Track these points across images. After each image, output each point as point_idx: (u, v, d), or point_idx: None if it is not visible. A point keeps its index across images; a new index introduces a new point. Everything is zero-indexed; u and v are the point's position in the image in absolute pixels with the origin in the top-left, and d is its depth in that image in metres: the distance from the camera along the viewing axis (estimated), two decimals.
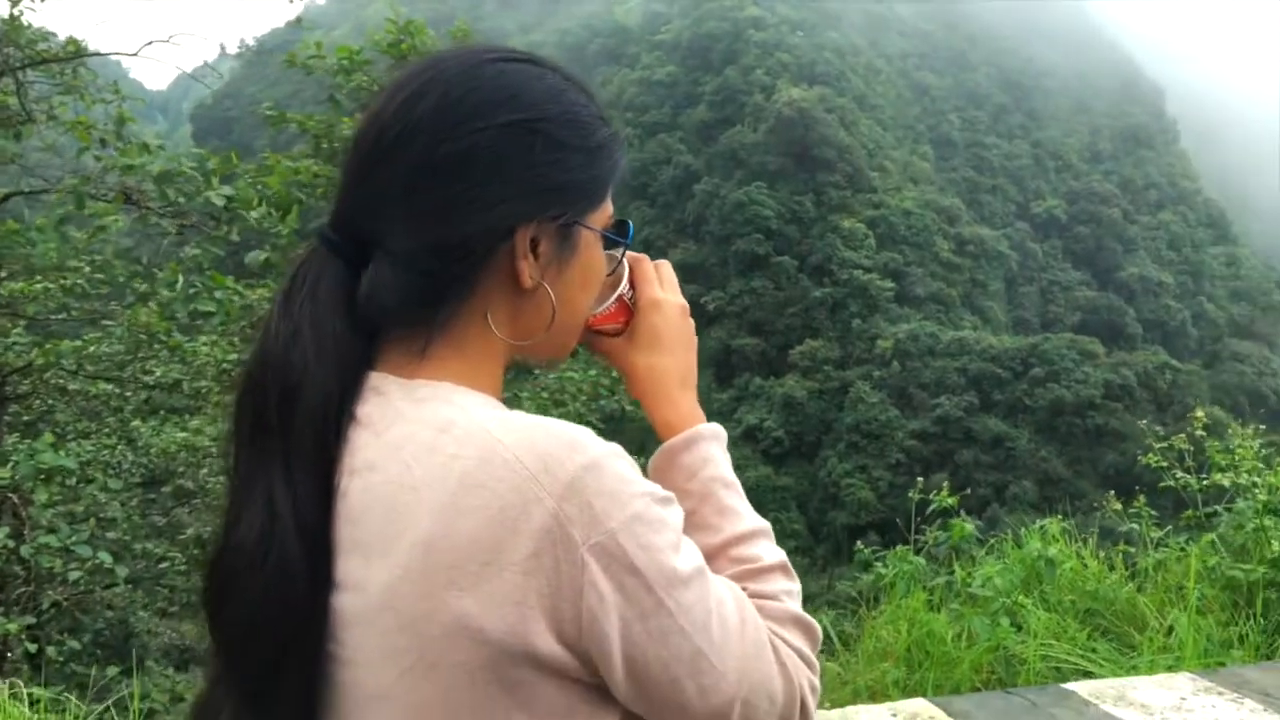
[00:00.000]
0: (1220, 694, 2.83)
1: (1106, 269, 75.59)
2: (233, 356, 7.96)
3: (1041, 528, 4.32)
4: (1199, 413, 4.90)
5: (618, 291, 1.10)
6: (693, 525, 0.96)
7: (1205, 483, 4.54)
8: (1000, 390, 56.85)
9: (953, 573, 4.10)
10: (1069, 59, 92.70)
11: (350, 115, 11.23)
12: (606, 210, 1.00)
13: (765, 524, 1.03)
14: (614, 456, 0.85)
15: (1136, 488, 4.94)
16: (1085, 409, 53.88)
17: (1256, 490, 4.33)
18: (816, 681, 0.96)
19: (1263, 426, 5.26)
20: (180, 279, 7.08)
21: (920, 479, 4.81)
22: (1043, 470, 51.71)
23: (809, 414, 58.38)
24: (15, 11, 7.51)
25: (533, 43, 66.30)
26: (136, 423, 10.50)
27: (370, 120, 0.94)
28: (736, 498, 1.04)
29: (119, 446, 10.40)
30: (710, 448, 1.06)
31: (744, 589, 0.94)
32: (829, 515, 52.50)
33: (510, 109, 0.92)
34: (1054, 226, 78.99)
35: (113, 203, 6.56)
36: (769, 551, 1.01)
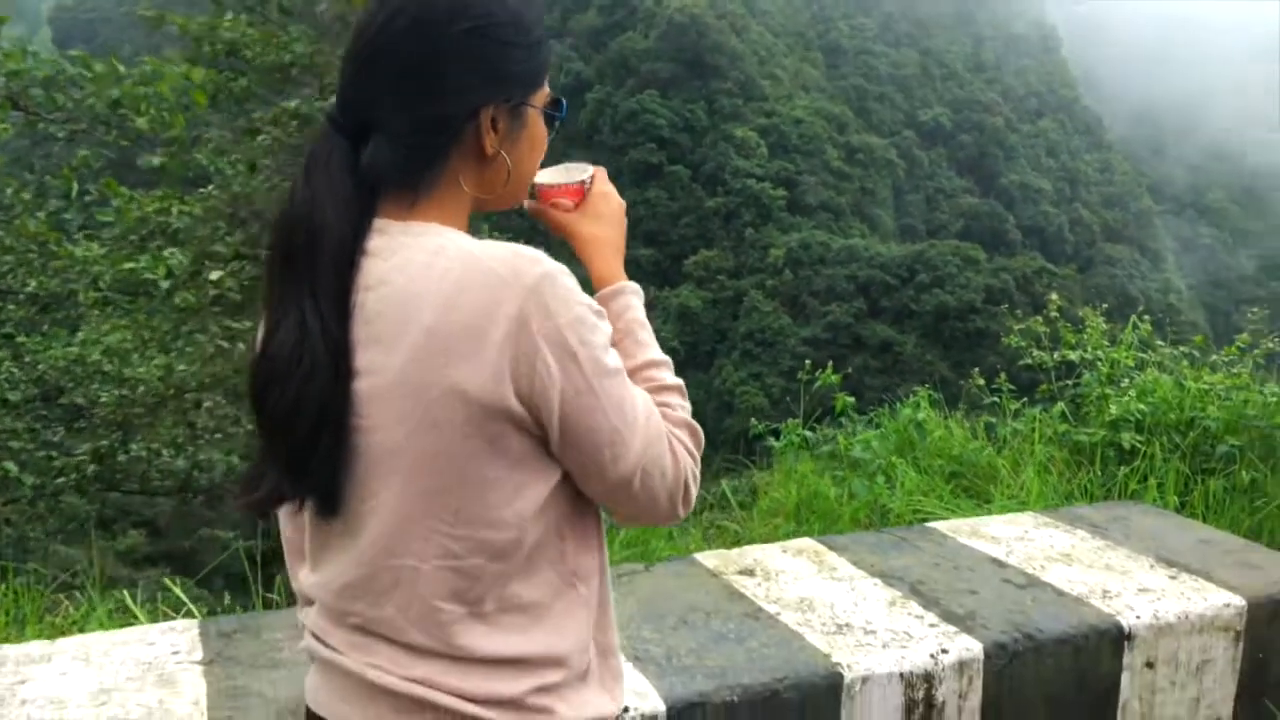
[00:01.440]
0: (1057, 527, 3.30)
1: (989, 176, 77.69)
2: (129, 265, 7.90)
3: (914, 399, 4.79)
4: (1054, 297, 5.42)
5: (581, 177, 1.48)
6: (617, 352, 1.28)
7: (1057, 357, 5.07)
8: (888, 297, 58.53)
9: (836, 440, 4.55)
10: None
11: (236, 16, 10.96)
12: (544, 91, 1.33)
13: (667, 358, 1.38)
14: (564, 273, 1.18)
15: (1000, 368, 5.44)
16: (968, 313, 55.93)
17: (1100, 364, 4.86)
18: (697, 471, 1.29)
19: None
20: (75, 186, 7.02)
21: (809, 363, 5.23)
22: (929, 373, 53.61)
23: (704, 324, 59.30)
24: None
25: None
26: (22, 338, 10.29)
27: (361, 29, 1.24)
28: (648, 335, 1.40)
29: (5, 363, 10.20)
30: (632, 298, 1.43)
31: (651, 398, 1.28)
32: (725, 423, 53.77)
33: (468, 17, 1.23)
34: (940, 135, 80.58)
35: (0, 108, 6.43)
36: (670, 377, 1.35)
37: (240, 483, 1.25)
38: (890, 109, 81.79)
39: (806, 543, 3.17)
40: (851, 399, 4.86)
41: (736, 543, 3.86)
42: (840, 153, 71.24)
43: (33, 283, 9.19)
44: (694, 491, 1.30)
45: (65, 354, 9.92)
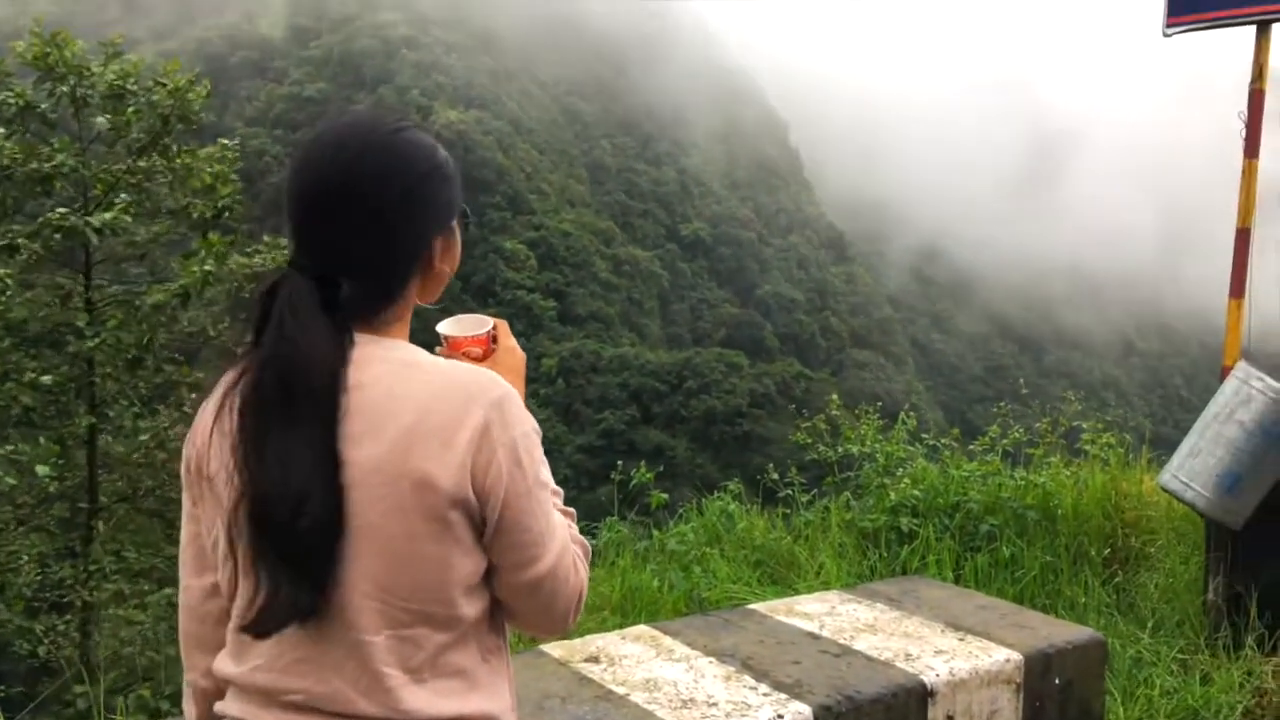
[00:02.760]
0: (859, 602, 3.68)
1: (747, 287, 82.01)
2: None
3: (724, 488, 5.17)
4: (834, 397, 6.00)
5: (486, 329, 1.68)
6: None
7: (840, 451, 5.60)
8: (659, 403, 60.31)
9: (651, 535, 4.84)
10: (709, 94, 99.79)
11: None
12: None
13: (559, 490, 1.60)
14: (516, 395, 1.43)
15: (766, 468, 5.92)
16: (734, 417, 58.33)
17: (878, 456, 5.42)
18: (585, 586, 1.50)
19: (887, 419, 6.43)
20: None
21: (619, 464, 5.51)
22: (699, 476, 55.26)
23: None
24: None
25: (167, 51, 62.00)
26: None
27: (315, 175, 1.42)
28: (547, 471, 1.56)
29: None
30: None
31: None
32: None
33: (424, 160, 1.48)
34: (700, 248, 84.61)
35: None
36: (563, 505, 1.54)
37: (242, 611, 1.36)
38: (653, 223, 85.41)
39: (642, 629, 3.40)
40: (665, 496, 5.19)
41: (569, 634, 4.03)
42: (608, 265, 73.56)
43: None
44: (581, 606, 1.50)
45: None
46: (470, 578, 1.38)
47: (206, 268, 9.39)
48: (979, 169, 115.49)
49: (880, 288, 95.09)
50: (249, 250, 10.65)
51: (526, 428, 1.40)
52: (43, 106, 9.71)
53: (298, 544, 1.29)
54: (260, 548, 1.31)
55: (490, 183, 72.05)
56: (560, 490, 1.54)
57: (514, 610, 1.45)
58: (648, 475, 5.18)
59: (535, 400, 59.96)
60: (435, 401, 1.35)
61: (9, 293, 9.09)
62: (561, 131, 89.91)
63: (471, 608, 1.39)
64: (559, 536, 1.44)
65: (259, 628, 1.32)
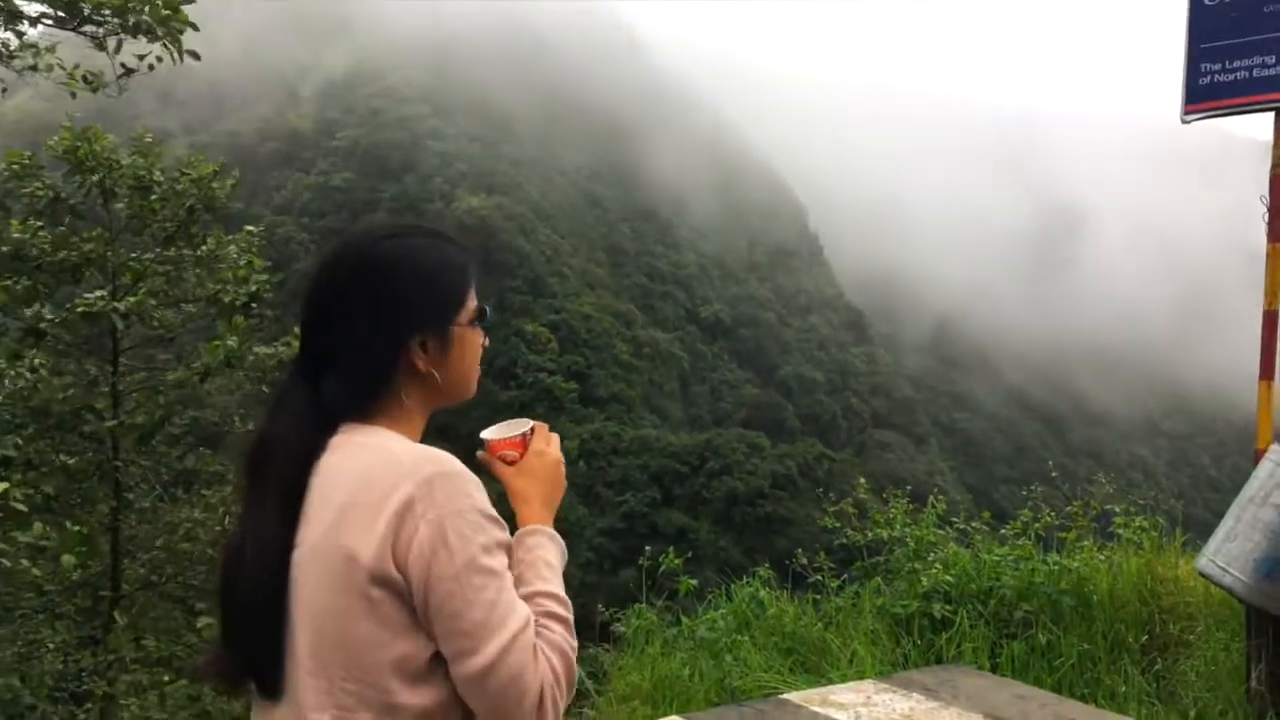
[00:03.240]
0: (895, 691, 3.58)
1: (768, 368, 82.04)
2: None
3: (754, 573, 5.08)
4: (861, 480, 5.92)
5: (520, 431, 1.69)
6: (517, 580, 1.46)
7: (870, 536, 5.51)
8: (681, 484, 59.89)
9: (680, 622, 4.74)
10: (726, 178, 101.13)
11: (22, 220, 10.64)
12: (470, 308, 1.61)
13: (566, 600, 1.49)
14: (466, 478, 1.43)
15: (817, 550, 5.83)
16: (756, 498, 57.80)
17: (908, 541, 5.33)
18: (561, 690, 1.39)
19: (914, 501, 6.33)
20: None
21: (648, 549, 5.44)
22: (723, 558, 54.73)
23: (501, 515, 58.44)
24: None
25: (199, 143, 63.71)
26: None
27: (310, 280, 1.55)
28: (550, 573, 1.53)
29: None
30: (545, 540, 1.58)
31: (536, 621, 1.43)
32: None
33: (398, 270, 1.53)
34: (720, 329, 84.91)
35: None
36: (558, 608, 1.45)
37: (207, 661, 1.47)
38: (673, 305, 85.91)
39: (675, 719, 3.31)
40: (693, 582, 5.09)
41: None
42: (628, 347, 73.83)
43: None
44: (558, 707, 1.39)
45: None
46: (408, 662, 1.35)
47: (229, 342, 9.47)
48: (991, 245, 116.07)
49: (900, 367, 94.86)
50: (276, 342, 10.74)
51: (461, 506, 1.38)
52: (73, 200, 9.91)
53: (247, 618, 1.39)
54: (225, 615, 1.43)
55: (512, 267, 72.85)
56: (553, 592, 1.47)
57: (471, 706, 1.38)
58: (676, 560, 5.10)
59: None
60: (369, 479, 1.39)
61: (39, 379, 9.19)
62: (582, 216, 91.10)
63: (416, 696, 1.35)
64: (509, 628, 1.35)
65: (221, 686, 1.43)
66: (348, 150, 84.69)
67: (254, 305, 9.96)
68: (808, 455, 61.54)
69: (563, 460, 1.71)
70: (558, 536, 1.59)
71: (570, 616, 1.47)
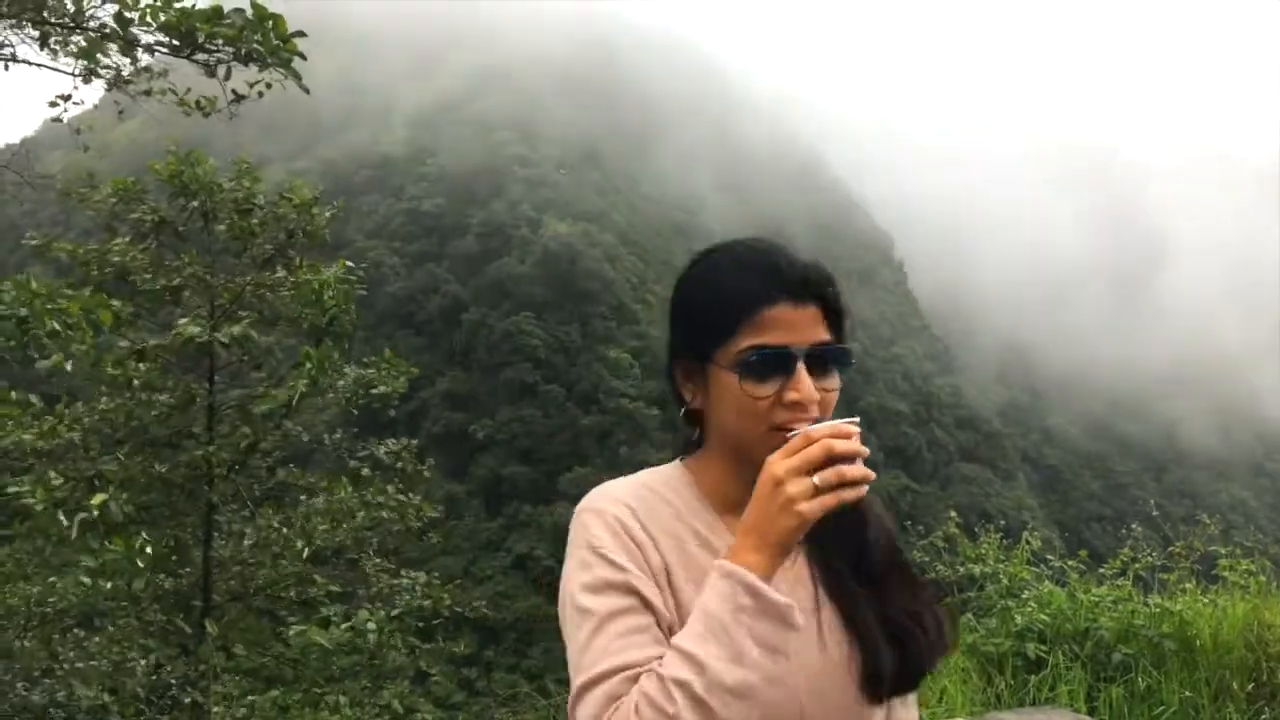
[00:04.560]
0: None
1: (851, 399, 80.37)
2: (13, 490, 7.61)
3: None
4: (953, 514, 5.77)
5: (805, 429, 1.30)
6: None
7: (961, 571, 5.36)
8: None
9: None
10: (810, 206, 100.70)
11: (128, 243, 11.03)
12: (741, 343, 1.37)
13: (700, 655, 1.19)
14: (591, 513, 1.40)
15: None
16: None
17: (1000, 577, 5.17)
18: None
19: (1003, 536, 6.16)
20: None
21: None
22: None
23: None
24: None
25: (296, 169, 65.56)
26: None
27: None
28: (702, 624, 1.23)
29: None
30: (716, 581, 1.25)
31: (645, 675, 1.22)
32: None
33: (676, 293, 1.52)
34: None
35: None
36: (679, 670, 1.19)
37: None
38: None
39: None
40: None
41: None
42: None
43: None
44: None
45: None
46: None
47: (303, 383, 9.60)
48: (1071, 274, 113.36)
49: (988, 402, 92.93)
50: (364, 362, 10.91)
51: (577, 542, 1.38)
52: (176, 223, 10.23)
53: None
54: None
55: (596, 293, 73.35)
56: (690, 650, 1.20)
57: None
58: None
59: None
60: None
61: (138, 402, 9.49)
62: (666, 243, 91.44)
63: None
64: (588, 673, 1.24)
65: None
66: (437, 176, 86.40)
67: (332, 326, 10.13)
68: (891, 488, 60.55)
69: (779, 479, 1.26)
70: (739, 574, 1.23)
71: (692, 676, 1.18)
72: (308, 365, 9.56)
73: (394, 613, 9.01)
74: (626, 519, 1.38)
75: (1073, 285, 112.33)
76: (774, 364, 1.36)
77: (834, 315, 1.41)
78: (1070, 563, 5.54)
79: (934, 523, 6.43)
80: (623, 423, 65.80)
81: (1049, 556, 5.66)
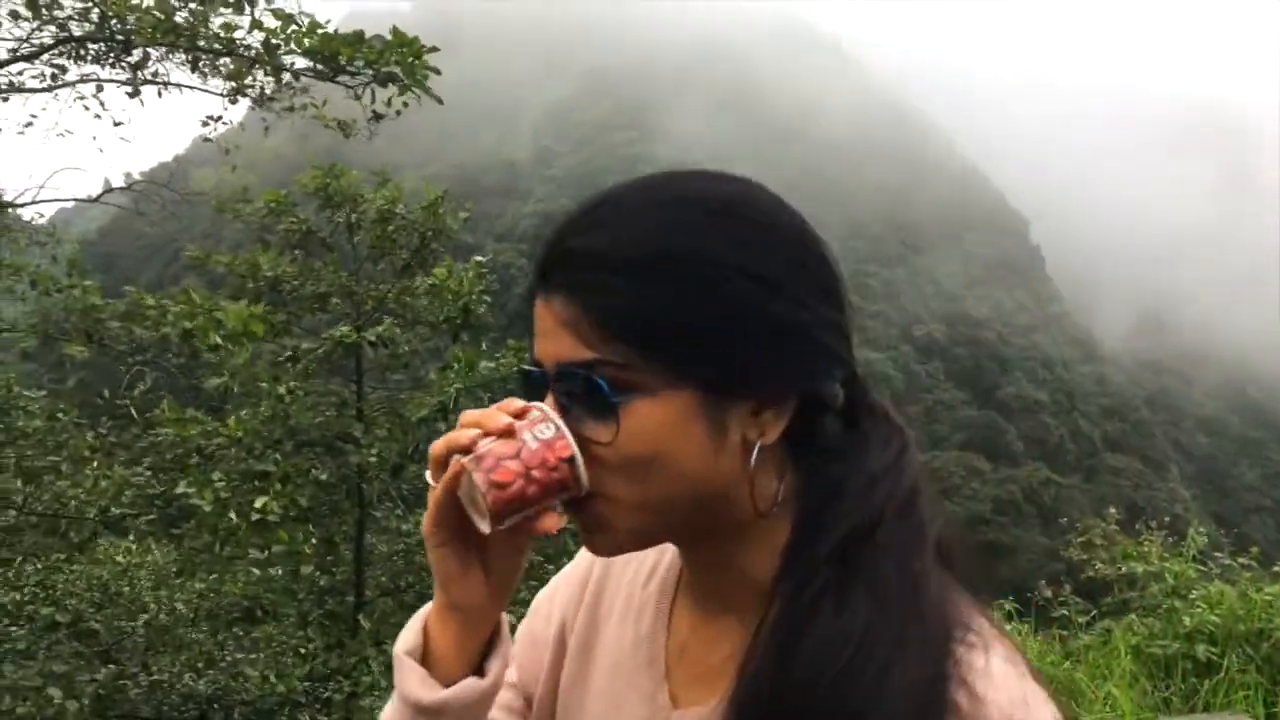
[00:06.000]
0: None
1: (986, 388, 78.83)
2: (179, 490, 8.05)
3: (998, 606, 4.82)
4: (1111, 511, 5.53)
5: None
6: None
7: (1122, 572, 5.12)
8: None
9: None
10: (940, 191, 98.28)
11: (278, 253, 11.54)
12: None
13: None
14: None
15: (1044, 579, 5.48)
16: (977, 524, 55.54)
17: (1166, 576, 4.92)
18: None
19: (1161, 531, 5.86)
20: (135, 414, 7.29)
21: None
22: None
23: None
24: None
25: (427, 175, 67.15)
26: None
27: None
28: None
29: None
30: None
31: None
32: None
33: None
34: (935, 349, 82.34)
35: (74, 341, 6.75)
36: None
37: None
38: (885, 325, 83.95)
39: None
40: None
41: None
42: None
43: (72, 502, 9.30)
44: None
45: (88, 575, 9.85)
46: None
47: (456, 386, 9.84)
48: (1226, 253, 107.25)
49: (1137, 389, 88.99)
50: (496, 355, 11.15)
51: None
52: (322, 233, 10.66)
53: None
54: None
55: None
56: None
57: None
58: None
59: None
60: None
61: (294, 402, 9.91)
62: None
63: None
64: None
65: None
66: (562, 178, 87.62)
67: (468, 321, 10.34)
68: (1033, 480, 58.69)
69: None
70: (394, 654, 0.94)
71: None
72: (456, 365, 9.82)
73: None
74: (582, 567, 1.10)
75: (1228, 264, 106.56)
76: (530, 392, 0.87)
77: (610, 311, 0.80)
78: (1240, 559, 5.25)
79: (1077, 516, 6.19)
80: None
81: (1216, 553, 5.37)
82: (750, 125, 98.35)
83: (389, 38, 5.18)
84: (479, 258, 12.06)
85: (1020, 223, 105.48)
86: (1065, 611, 5.06)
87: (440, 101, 5.83)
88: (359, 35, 5.23)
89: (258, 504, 8.39)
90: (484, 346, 11.24)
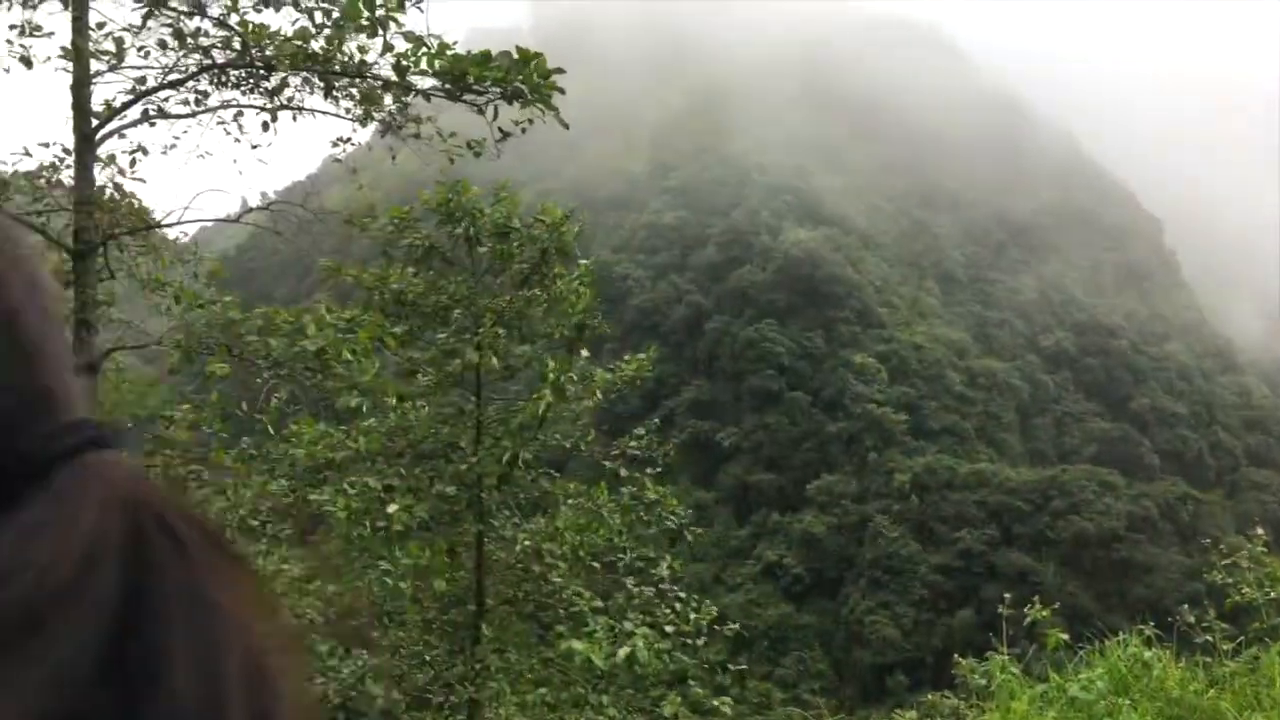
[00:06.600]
0: None
1: (1119, 400, 75.87)
2: (314, 498, 8.34)
3: (1137, 631, 4.61)
4: (1259, 532, 5.23)
5: None
6: None
7: (1271, 595, 4.84)
8: (1022, 523, 56.45)
9: (1048, 680, 4.38)
10: (1065, 194, 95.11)
11: (402, 268, 11.86)
12: None
13: None
14: None
15: (1184, 601, 5.21)
16: (1110, 541, 53.42)
17: None
18: None
19: None
20: (271, 428, 7.58)
21: (1007, 596, 5.10)
22: (1071, 605, 50.87)
23: (828, 550, 57.89)
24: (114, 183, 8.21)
25: (546, 189, 68.40)
26: None
27: None
28: None
29: None
30: None
31: None
32: (854, 654, 51.49)
33: None
34: (1063, 358, 79.68)
35: (216, 355, 7.06)
36: None
37: None
38: (1010, 334, 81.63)
39: None
40: (1064, 637, 4.70)
41: None
42: (962, 377, 70.87)
43: (212, 510, 9.71)
44: None
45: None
46: None
47: (549, 393, 9.91)
48: None
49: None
50: (610, 366, 11.24)
51: None
52: (444, 248, 10.91)
53: None
54: None
55: (839, 297, 72.28)
56: None
57: None
58: (1044, 613, 4.73)
59: (888, 516, 58.25)
60: None
61: (416, 416, 10.16)
62: (911, 244, 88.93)
63: None
64: None
65: None
66: (678, 189, 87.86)
67: (583, 335, 10.44)
68: (1169, 495, 56.16)
69: None
70: None
71: None
72: (551, 376, 9.94)
73: (646, 621, 9.17)
74: None
75: None
76: None
77: None
78: None
79: (1219, 534, 5.87)
80: (870, 428, 64.42)
81: None
82: (861, 130, 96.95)
83: (514, 55, 5.27)
84: (583, 260, 12.14)
85: (1153, 226, 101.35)
86: (1209, 638, 4.81)
87: (566, 126, 5.90)
88: (486, 55, 5.33)
89: (390, 510, 8.63)
90: (584, 355, 11.26)
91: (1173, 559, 51.40)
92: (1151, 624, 4.76)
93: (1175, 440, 71.81)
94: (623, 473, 10.89)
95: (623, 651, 7.49)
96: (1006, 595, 5.10)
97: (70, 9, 7.08)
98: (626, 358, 12.06)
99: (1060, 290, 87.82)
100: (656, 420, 10.28)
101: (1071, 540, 54.34)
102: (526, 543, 9.87)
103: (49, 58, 7.17)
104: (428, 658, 9.02)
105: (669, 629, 9.23)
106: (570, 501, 10.58)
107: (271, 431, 7.73)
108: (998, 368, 74.62)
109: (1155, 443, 71.09)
